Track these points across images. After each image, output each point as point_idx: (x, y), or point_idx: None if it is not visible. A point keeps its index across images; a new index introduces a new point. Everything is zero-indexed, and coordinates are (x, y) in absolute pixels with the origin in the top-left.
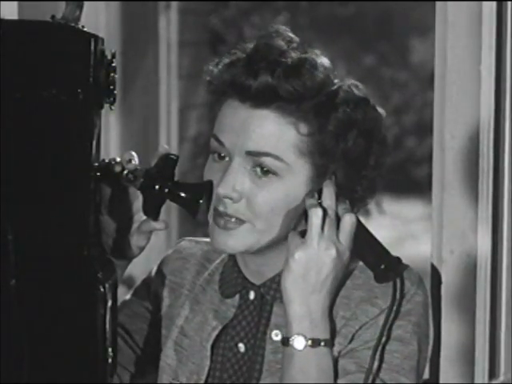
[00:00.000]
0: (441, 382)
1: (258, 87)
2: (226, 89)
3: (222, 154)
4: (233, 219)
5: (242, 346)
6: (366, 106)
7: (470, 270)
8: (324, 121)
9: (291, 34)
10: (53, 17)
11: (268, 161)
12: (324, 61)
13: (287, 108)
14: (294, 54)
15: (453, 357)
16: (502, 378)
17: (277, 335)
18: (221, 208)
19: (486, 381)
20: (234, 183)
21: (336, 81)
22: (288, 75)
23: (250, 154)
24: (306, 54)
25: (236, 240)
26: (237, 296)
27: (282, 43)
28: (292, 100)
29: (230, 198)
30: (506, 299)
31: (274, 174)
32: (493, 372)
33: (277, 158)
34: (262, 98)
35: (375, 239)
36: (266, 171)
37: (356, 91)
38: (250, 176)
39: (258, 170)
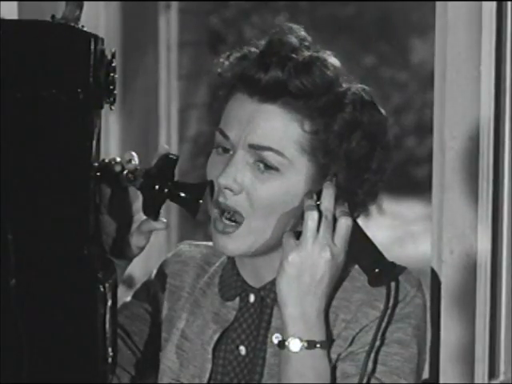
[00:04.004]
0: (441, 381)
1: (267, 81)
2: (236, 82)
3: (227, 148)
4: (230, 221)
5: (242, 349)
6: (373, 109)
7: (470, 269)
8: (329, 120)
9: (304, 33)
10: (53, 17)
11: (270, 156)
12: (335, 61)
13: (294, 104)
14: (307, 52)
15: (453, 356)
16: (501, 378)
17: (277, 338)
18: (221, 199)
19: (486, 381)
20: (235, 175)
21: (344, 84)
22: (299, 71)
23: (252, 147)
24: (317, 53)
25: (235, 243)
26: (237, 299)
27: (295, 40)
28: (300, 96)
29: (231, 190)
30: (506, 299)
31: (276, 169)
32: (493, 372)
33: (279, 153)
34: (270, 93)
35: (371, 243)
36: (268, 167)
37: (364, 95)
38: (252, 170)
39: (261, 165)
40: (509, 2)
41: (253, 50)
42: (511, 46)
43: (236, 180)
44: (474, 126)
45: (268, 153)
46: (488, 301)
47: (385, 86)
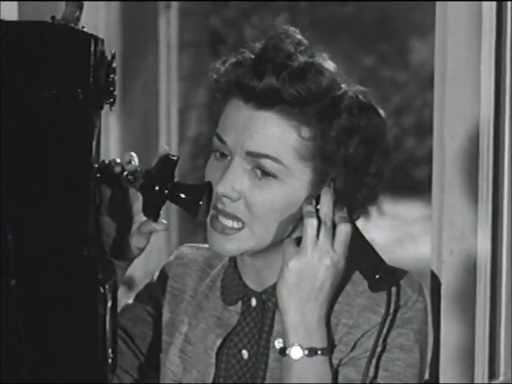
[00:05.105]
0: (441, 382)
1: (262, 89)
2: (231, 88)
3: (225, 153)
4: (230, 224)
5: (245, 353)
6: (371, 113)
7: (470, 270)
8: (326, 126)
9: (300, 36)
10: (53, 17)
11: (267, 163)
12: (330, 65)
13: (290, 111)
14: (301, 58)
15: (453, 357)
16: (501, 378)
17: (279, 343)
18: (220, 206)
19: (486, 381)
20: (233, 182)
21: (343, 85)
22: (293, 79)
23: (249, 154)
24: (312, 58)
25: (233, 244)
26: (239, 303)
27: (289, 46)
28: (295, 103)
29: (229, 197)
30: (506, 299)
31: (273, 176)
32: (493, 372)
33: (276, 160)
34: (265, 100)
35: (371, 248)
36: (266, 173)
37: (362, 98)
38: (250, 176)
39: (259, 172)
40: (509, 2)
41: (248, 55)
42: (511, 46)
43: (234, 188)
44: (473, 126)
45: (265, 160)
46: (488, 301)
47: (384, 87)
